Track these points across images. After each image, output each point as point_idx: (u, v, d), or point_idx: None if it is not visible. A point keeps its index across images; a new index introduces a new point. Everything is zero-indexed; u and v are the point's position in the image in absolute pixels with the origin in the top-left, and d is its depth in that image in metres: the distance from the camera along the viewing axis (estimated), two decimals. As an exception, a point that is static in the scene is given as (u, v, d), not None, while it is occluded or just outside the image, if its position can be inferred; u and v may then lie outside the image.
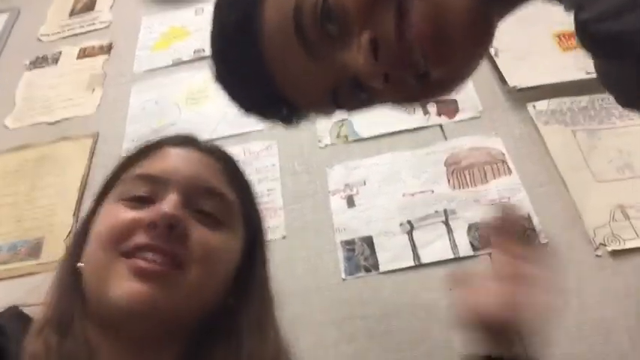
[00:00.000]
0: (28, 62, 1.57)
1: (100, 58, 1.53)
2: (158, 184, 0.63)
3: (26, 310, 0.66)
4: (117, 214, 0.61)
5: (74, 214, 1.18)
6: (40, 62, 1.56)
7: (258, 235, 0.74)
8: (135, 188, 0.63)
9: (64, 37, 1.63)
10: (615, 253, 0.93)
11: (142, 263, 0.57)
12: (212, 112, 1.31)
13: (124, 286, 0.56)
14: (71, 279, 0.62)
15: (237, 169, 0.73)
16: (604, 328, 0.86)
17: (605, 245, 0.94)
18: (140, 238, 0.58)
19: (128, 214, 0.60)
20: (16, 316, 0.63)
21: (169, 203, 0.60)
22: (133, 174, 0.65)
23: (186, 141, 0.71)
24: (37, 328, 0.57)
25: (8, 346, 0.55)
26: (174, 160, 0.66)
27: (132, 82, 1.44)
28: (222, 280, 0.65)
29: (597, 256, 0.93)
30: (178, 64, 1.46)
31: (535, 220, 0.99)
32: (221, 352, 0.63)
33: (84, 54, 1.56)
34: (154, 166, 0.65)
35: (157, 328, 0.60)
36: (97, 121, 1.37)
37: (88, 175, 1.25)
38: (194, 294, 0.61)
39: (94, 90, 1.45)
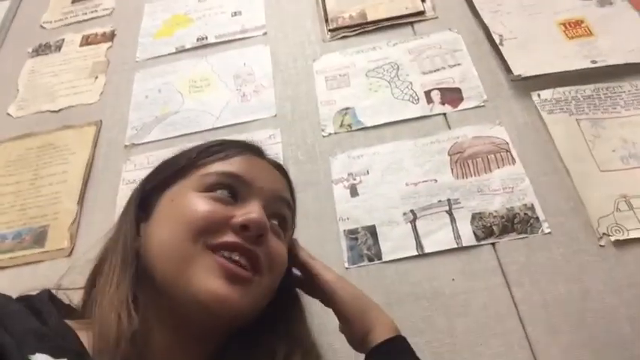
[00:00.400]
0: (30, 50, 1.57)
1: (103, 46, 1.52)
2: (244, 186, 0.65)
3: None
4: (206, 205, 0.62)
5: (78, 202, 1.18)
6: (42, 50, 1.56)
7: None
8: (219, 183, 0.65)
9: (66, 25, 1.62)
10: (618, 243, 0.93)
11: (230, 265, 0.58)
12: (215, 101, 1.31)
13: (212, 283, 0.57)
14: (134, 258, 0.62)
15: (292, 187, 0.78)
16: (606, 318, 0.86)
17: (608, 235, 0.94)
18: (230, 237, 0.60)
19: (218, 208, 0.62)
20: (51, 299, 0.63)
21: (258, 209, 0.62)
22: (217, 169, 0.67)
23: (262, 153, 0.76)
24: (116, 292, 0.58)
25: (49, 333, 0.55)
26: (259, 168, 0.70)
27: (135, 70, 1.43)
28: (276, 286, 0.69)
29: (600, 246, 0.93)
30: (181, 51, 1.45)
31: (538, 210, 0.99)
32: (257, 352, 0.66)
33: (87, 41, 1.55)
34: (238, 167, 0.67)
35: (218, 326, 0.62)
36: (100, 109, 1.37)
37: (91, 163, 1.25)
38: (260, 300, 0.64)
39: (97, 78, 1.44)
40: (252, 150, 0.74)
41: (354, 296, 0.75)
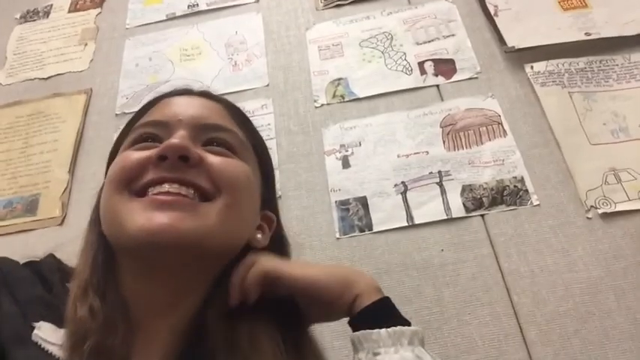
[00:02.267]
0: (18, 16, 1.53)
1: (92, 12, 1.50)
2: (163, 127, 0.62)
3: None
4: (125, 157, 0.60)
5: (69, 171, 1.18)
6: (30, 16, 1.53)
7: (271, 179, 0.73)
8: (140, 135, 0.62)
9: (54, -11, 1.59)
10: (606, 216, 0.94)
11: (157, 197, 0.55)
12: (206, 69, 1.30)
13: (140, 218, 0.54)
14: (100, 238, 0.61)
15: (239, 110, 0.72)
16: (591, 288, 0.88)
17: (596, 208, 0.95)
18: (150, 175, 0.57)
19: (136, 154, 0.59)
20: (58, 265, 0.62)
21: (176, 136, 0.59)
22: (138, 124, 0.65)
23: (186, 91, 0.71)
24: (79, 293, 0.55)
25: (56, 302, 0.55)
26: (177, 105, 0.65)
27: (125, 37, 1.41)
28: (249, 214, 0.64)
29: (588, 218, 0.95)
30: (172, 18, 1.43)
31: (528, 182, 0.99)
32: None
33: (75, 7, 1.52)
34: (156, 114, 0.65)
35: (188, 263, 0.58)
36: (90, 76, 1.35)
37: (82, 131, 1.24)
38: (224, 222, 0.58)
39: (86, 45, 1.42)
40: (176, 92, 0.70)
41: (331, 273, 0.66)
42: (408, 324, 0.60)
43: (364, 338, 0.58)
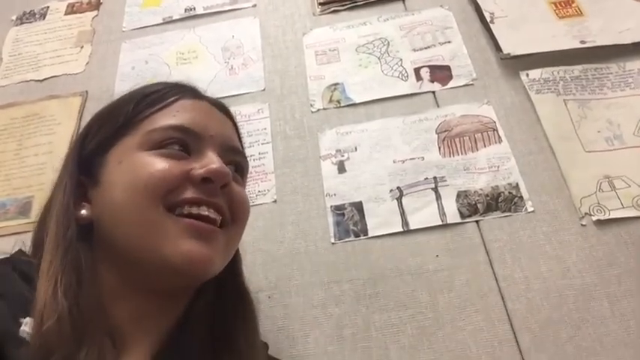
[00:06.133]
0: (14, 17, 1.53)
1: (89, 14, 1.49)
2: (193, 138, 0.61)
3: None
4: (160, 164, 0.57)
5: (64, 174, 1.17)
6: (27, 17, 1.52)
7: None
8: (167, 138, 0.60)
9: (51, -8, 1.59)
10: (600, 223, 0.95)
11: (198, 223, 0.56)
12: (203, 73, 1.30)
13: (184, 245, 0.54)
14: (74, 233, 0.58)
15: (238, 127, 0.74)
16: (585, 295, 0.88)
17: (590, 215, 0.95)
18: (189, 193, 0.57)
19: (173, 165, 0.57)
20: (28, 262, 0.60)
21: (216, 159, 0.59)
22: (161, 124, 0.61)
23: (198, 95, 0.70)
24: (46, 294, 0.52)
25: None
26: (202, 114, 0.65)
27: (121, 40, 1.41)
28: None
29: (582, 225, 0.95)
30: (169, 22, 1.43)
31: (523, 188, 1.00)
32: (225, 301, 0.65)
33: (72, 9, 1.52)
34: (180, 117, 0.62)
35: (192, 284, 0.61)
36: (85, 79, 1.35)
37: (77, 134, 1.23)
38: (231, 252, 0.62)
39: (82, 47, 1.42)
40: (190, 92, 0.69)
41: None
42: None
43: None
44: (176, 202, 0.56)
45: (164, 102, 0.64)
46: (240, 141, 0.72)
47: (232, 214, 0.61)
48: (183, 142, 0.61)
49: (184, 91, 0.68)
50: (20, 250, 0.64)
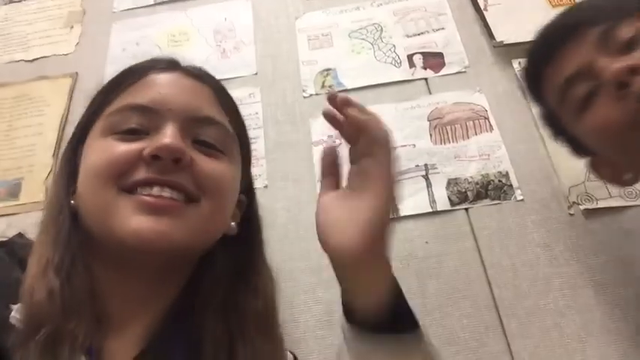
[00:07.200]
0: (3, -5, 1.51)
1: (79, -6, 1.47)
2: (151, 115, 0.58)
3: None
4: (112, 147, 0.56)
5: (54, 155, 1.16)
6: (15, -4, 1.50)
7: (249, 162, 0.73)
8: (125, 120, 0.59)
9: (40, -30, 1.56)
10: (587, 212, 0.96)
11: (148, 199, 0.54)
12: (194, 56, 1.26)
13: (132, 221, 0.53)
14: (66, 217, 0.58)
15: (227, 94, 0.70)
16: (571, 283, 0.90)
17: (578, 204, 0.96)
18: (141, 173, 0.55)
19: (124, 147, 0.56)
20: (26, 245, 0.60)
21: (169, 133, 0.56)
22: (120, 105, 0.60)
23: (170, 65, 0.66)
24: (37, 272, 0.53)
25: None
26: (165, 87, 0.62)
27: (112, 21, 1.39)
28: (229, 212, 0.64)
29: (570, 214, 0.96)
30: (160, 3, 1.41)
31: (512, 177, 1.00)
32: (219, 279, 0.62)
33: (62, -11, 1.49)
34: (143, 94, 0.60)
35: (168, 261, 0.58)
36: (76, 60, 1.33)
37: (67, 115, 1.23)
38: (208, 227, 0.59)
39: (72, 27, 1.40)
40: (162, 65, 0.65)
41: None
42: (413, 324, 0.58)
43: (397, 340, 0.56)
44: (130, 184, 0.55)
45: (128, 81, 0.63)
46: (227, 108, 0.67)
47: (201, 189, 0.58)
48: (141, 121, 0.59)
49: (154, 65, 0.66)
50: (20, 234, 0.63)
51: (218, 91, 0.67)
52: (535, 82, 0.82)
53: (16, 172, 1.15)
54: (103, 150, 0.57)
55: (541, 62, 0.78)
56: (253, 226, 0.71)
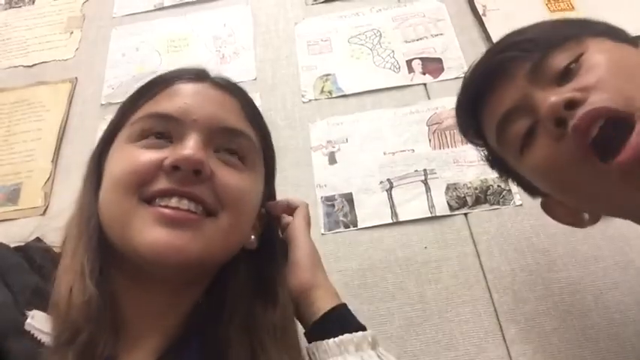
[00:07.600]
0: (3, 1, 1.51)
1: (79, 0, 1.48)
2: (175, 124, 0.58)
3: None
4: (134, 156, 0.56)
5: (52, 160, 1.16)
6: (16, 2, 1.50)
7: (273, 176, 0.73)
8: (149, 128, 0.58)
9: (40, -25, 1.56)
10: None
11: (165, 211, 0.53)
12: (194, 61, 1.27)
13: (149, 234, 0.52)
14: (96, 224, 0.58)
15: (254, 106, 0.69)
16: (570, 288, 0.90)
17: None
18: (161, 184, 0.55)
19: (146, 156, 0.56)
20: (46, 251, 0.60)
21: (191, 144, 0.56)
22: (145, 112, 0.60)
23: (199, 76, 0.66)
24: (74, 277, 0.53)
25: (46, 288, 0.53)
26: (191, 97, 0.61)
27: (111, 27, 1.40)
28: (249, 225, 0.64)
29: (569, 218, 0.96)
30: (160, 9, 1.42)
31: (511, 182, 1.00)
32: (242, 292, 0.62)
33: (61, -6, 1.50)
34: (168, 103, 0.60)
35: (185, 274, 0.58)
36: (75, 65, 1.34)
37: (66, 121, 1.23)
38: (226, 241, 0.59)
39: (72, 33, 1.40)
40: (189, 76, 0.65)
41: (311, 252, 0.73)
42: (362, 329, 0.62)
43: (316, 349, 0.60)
44: (150, 194, 0.55)
45: (155, 89, 0.63)
46: (253, 121, 0.66)
47: (221, 202, 0.58)
48: (163, 130, 0.59)
49: (182, 75, 0.65)
50: (37, 238, 0.63)
51: (245, 103, 0.67)
52: (471, 126, 0.78)
53: (14, 178, 1.15)
54: (126, 158, 0.57)
55: (476, 101, 0.74)
56: (274, 238, 0.71)
